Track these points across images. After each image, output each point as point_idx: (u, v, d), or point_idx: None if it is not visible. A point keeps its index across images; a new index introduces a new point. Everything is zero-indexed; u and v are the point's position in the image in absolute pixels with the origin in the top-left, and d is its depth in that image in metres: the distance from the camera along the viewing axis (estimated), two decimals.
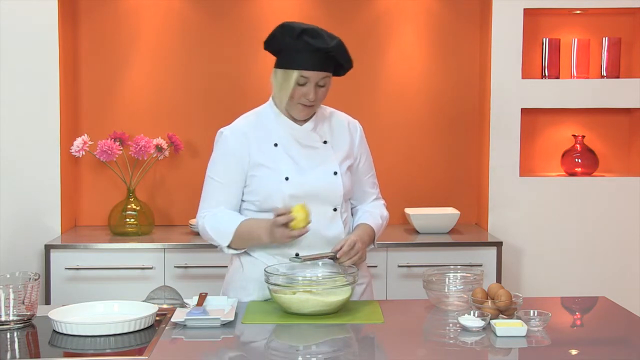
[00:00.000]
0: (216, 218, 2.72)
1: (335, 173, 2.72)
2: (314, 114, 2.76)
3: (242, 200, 2.77)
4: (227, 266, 3.80)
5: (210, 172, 2.77)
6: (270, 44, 2.72)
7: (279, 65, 2.69)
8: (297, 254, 2.67)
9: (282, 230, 2.57)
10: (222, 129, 2.79)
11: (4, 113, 3.96)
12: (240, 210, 2.78)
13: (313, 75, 2.62)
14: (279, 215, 2.56)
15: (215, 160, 2.78)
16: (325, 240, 2.70)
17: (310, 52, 2.61)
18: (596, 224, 4.14)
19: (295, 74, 2.63)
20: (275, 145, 2.72)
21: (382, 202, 2.93)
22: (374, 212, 2.85)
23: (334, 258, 2.66)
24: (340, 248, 2.64)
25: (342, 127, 2.82)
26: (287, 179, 2.68)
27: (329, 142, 2.77)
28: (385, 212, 2.89)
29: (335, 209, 2.72)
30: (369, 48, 4.30)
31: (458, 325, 2.37)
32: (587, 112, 4.30)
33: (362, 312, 2.54)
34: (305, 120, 2.75)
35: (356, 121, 2.89)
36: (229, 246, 2.71)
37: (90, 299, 2.67)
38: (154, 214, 4.17)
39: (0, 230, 3.97)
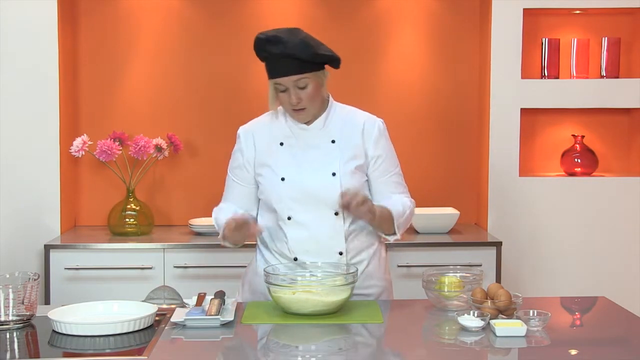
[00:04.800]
0: (217, 213, 2.81)
1: (334, 174, 2.67)
2: (325, 114, 2.71)
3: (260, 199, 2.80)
4: (226, 266, 3.85)
5: (228, 168, 2.85)
6: (258, 58, 2.69)
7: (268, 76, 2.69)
8: (295, 259, 2.68)
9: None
10: (240, 127, 2.83)
11: (4, 113, 3.96)
12: (258, 210, 2.81)
13: (285, 81, 2.60)
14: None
15: (231, 157, 2.84)
16: (324, 245, 2.68)
17: (275, 60, 2.59)
18: (596, 224, 4.14)
19: (272, 84, 2.64)
20: (281, 144, 2.72)
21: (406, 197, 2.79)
22: (391, 200, 2.73)
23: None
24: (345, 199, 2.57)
25: (354, 127, 2.73)
26: (283, 179, 2.68)
27: (337, 142, 2.70)
28: (406, 201, 2.75)
29: (336, 213, 2.67)
30: (369, 48, 4.30)
31: (458, 325, 2.37)
32: (586, 112, 4.30)
33: (361, 312, 2.54)
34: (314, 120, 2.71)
35: (376, 120, 2.77)
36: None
37: (90, 299, 2.67)
38: (154, 214, 4.17)
39: (0, 230, 3.97)
